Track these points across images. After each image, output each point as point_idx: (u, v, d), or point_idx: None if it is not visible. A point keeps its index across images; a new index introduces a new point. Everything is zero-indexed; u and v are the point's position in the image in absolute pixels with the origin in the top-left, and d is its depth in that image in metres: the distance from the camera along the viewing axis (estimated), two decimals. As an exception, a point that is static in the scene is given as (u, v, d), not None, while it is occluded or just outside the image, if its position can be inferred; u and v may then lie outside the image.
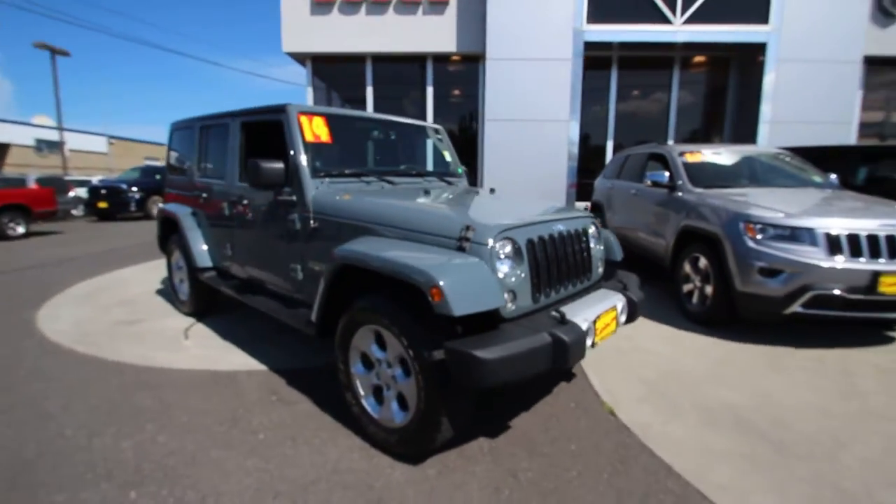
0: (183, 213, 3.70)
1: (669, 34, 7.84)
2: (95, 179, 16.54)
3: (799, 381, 2.75)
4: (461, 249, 1.85)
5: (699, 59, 8.80)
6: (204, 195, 3.52)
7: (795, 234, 3.17)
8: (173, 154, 4.17)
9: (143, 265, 6.18)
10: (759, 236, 3.27)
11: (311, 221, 2.44)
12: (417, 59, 8.83)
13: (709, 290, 3.65)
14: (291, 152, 2.57)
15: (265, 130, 3.02)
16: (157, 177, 13.42)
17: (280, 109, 2.70)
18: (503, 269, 1.87)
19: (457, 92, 9.14)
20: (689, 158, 4.62)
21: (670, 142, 8.84)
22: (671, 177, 4.47)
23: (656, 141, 7.81)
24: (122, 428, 2.24)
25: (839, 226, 3.10)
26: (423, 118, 8.62)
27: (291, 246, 2.64)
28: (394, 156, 3.48)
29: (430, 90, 8.92)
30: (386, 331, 1.91)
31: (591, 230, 2.45)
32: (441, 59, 8.83)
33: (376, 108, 8.90)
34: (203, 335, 3.53)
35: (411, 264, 1.74)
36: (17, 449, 2.07)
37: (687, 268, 3.97)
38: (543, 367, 1.74)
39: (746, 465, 1.96)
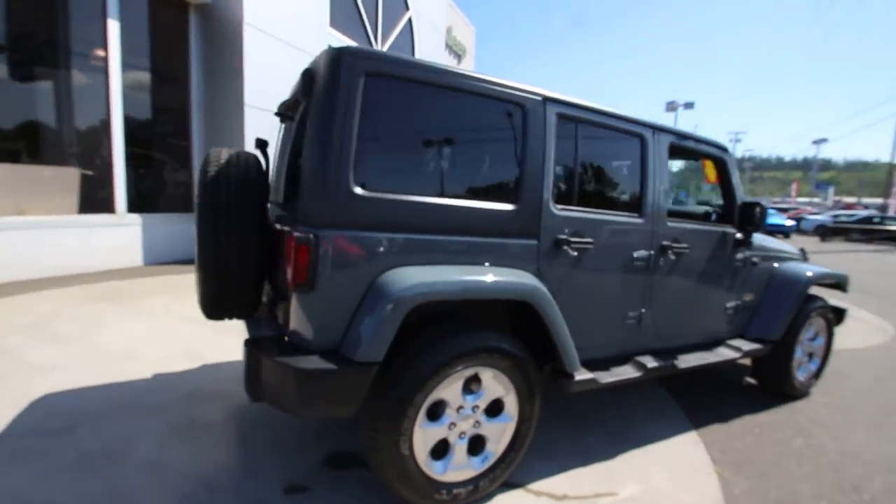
0: (536, 284, 1.90)
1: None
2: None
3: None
4: (806, 260, 3.42)
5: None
6: (584, 242, 2.13)
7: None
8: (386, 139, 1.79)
9: None
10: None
11: (754, 258, 2.92)
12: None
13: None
14: (735, 195, 2.83)
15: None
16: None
17: (724, 148, 2.83)
18: None
19: (158, 44, 6.22)
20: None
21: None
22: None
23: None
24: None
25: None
26: (104, 74, 5.58)
27: (732, 285, 2.84)
28: None
29: (112, 24, 5.63)
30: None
31: None
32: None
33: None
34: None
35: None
36: None
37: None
38: None
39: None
